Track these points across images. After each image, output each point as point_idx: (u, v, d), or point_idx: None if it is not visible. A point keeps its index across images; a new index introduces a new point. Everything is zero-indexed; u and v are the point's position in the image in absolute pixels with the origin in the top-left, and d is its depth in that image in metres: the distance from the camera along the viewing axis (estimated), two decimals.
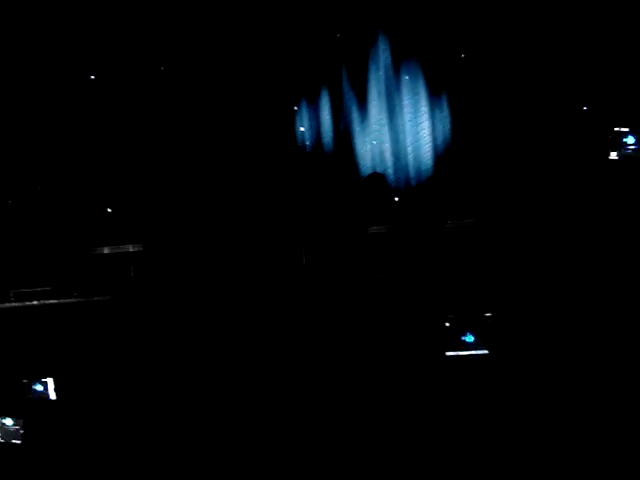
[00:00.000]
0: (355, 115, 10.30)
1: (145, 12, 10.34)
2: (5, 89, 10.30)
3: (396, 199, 9.94)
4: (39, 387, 8.82)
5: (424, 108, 10.17)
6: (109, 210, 9.87)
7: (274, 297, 8.58)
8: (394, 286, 7.90)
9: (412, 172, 10.43)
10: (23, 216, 10.10)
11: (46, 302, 9.42)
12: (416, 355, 7.18)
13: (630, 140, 8.31)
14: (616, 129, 8.39)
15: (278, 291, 8.64)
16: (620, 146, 8.27)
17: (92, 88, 10.42)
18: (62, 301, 9.40)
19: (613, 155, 8.16)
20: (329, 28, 10.29)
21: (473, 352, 6.82)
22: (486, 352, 6.87)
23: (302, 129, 10.28)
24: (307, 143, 10.34)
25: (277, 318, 8.32)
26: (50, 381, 8.82)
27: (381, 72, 10.37)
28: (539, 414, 6.63)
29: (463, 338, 6.91)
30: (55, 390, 8.80)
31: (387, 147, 10.43)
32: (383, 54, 10.34)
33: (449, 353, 6.86)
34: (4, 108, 10.30)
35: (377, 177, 10.17)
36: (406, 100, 10.30)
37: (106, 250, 9.83)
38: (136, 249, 9.69)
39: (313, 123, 10.42)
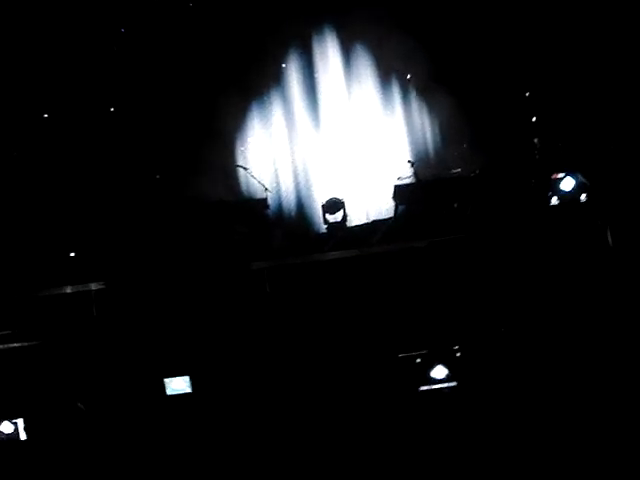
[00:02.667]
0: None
1: None
2: None
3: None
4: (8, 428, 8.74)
5: None
6: (71, 254, 9.95)
7: (240, 329, 8.69)
8: (363, 320, 8.06)
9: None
10: None
11: (8, 346, 9.35)
12: (388, 391, 7.28)
13: (568, 183, 8.69)
14: (554, 176, 8.85)
15: (243, 323, 8.76)
16: (559, 191, 8.70)
17: (47, 128, 10.53)
18: (24, 344, 9.33)
19: (554, 200, 8.57)
20: None
21: (444, 385, 6.98)
22: (455, 384, 7.04)
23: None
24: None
25: (243, 351, 8.41)
26: (20, 421, 8.77)
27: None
28: (511, 445, 6.77)
29: (431, 373, 7.03)
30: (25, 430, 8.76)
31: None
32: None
33: (422, 388, 6.99)
34: None
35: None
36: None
37: (68, 289, 9.84)
38: (99, 287, 9.75)
39: None
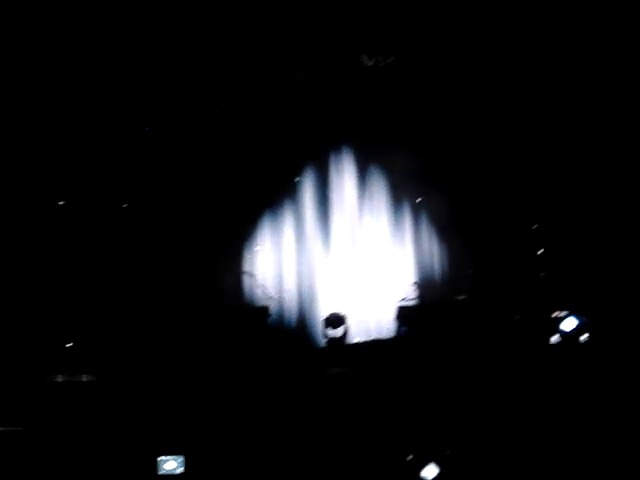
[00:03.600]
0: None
1: None
2: None
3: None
4: None
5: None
6: (68, 345, 9.88)
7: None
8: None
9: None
10: None
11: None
12: None
13: (570, 324, 8.67)
14: (555, 314, 8.88)
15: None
16: (559, 331, 8.69)
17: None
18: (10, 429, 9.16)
19: (554, 339, 8.58)
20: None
21: None
22: None
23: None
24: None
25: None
26: None
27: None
28: None
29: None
30: None
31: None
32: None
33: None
34: None
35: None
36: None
37: (59, 379, 9.73)
38: (89, 379, 9.64)
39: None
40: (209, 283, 10.58)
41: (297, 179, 11.25)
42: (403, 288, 10.80)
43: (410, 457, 7.17)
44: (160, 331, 9.99)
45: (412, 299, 10.53)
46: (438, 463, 6.99)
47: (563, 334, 8.60)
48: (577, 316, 8.59)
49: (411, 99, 11.36)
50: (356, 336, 10.71)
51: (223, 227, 10.88)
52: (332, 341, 10.58)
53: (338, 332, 10.61)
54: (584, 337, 8.68)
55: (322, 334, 10.68)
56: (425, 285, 10.80)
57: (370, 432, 7.96)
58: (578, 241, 10.40)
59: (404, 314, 10.31)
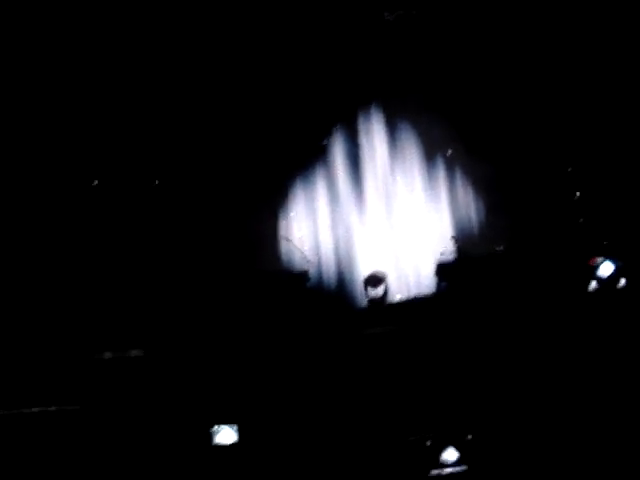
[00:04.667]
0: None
1: None
2: None
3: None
4: None
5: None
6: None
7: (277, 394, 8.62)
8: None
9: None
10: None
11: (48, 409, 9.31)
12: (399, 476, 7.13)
13: (607, 268, 8.51)
14: (592, 260, 8.74)
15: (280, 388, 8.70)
16: (598, 277, 8.55)
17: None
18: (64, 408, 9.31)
19: (593, 285, 8.46)
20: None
21: (455, 469, 6.82)
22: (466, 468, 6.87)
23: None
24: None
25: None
26: None
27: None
28: None
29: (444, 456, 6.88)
30: None
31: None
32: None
33: (434, 472, 6.85)
34: None
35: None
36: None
37: (107, 355, 9.86)
38: (138, 354, 9.76)
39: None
40: (246, 250, 10.61)
41: (325, 142, 11.19)
42: (441, 243, 10.75)
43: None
44: (203, 302, 10.06)
45: (450, 254, 10.49)
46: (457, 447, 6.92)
47: (601, 280, 8.51)
48: (614, 261, 8.49)
49: (436, 53, 11.23)
50: (397, 294, 10.72)
51: (256, 194, 10.88)
52: (373, 301, 10.61)
53: (379, 291, 10.63)
54: (622, 282, 8.59)
55: (363, 294, 10.71)
56: (463, 239, 10.75)
57: (410, 394, 8.00)
58: (614, 183, 10.27)
59: (443, 269, 10.27)
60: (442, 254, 10.48)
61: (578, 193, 10.38)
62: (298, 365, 9.14)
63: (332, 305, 10.81)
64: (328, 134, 11.34)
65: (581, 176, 10.53)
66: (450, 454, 6.92)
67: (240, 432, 7.21)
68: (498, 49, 10.94)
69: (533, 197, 10.64)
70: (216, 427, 7.17)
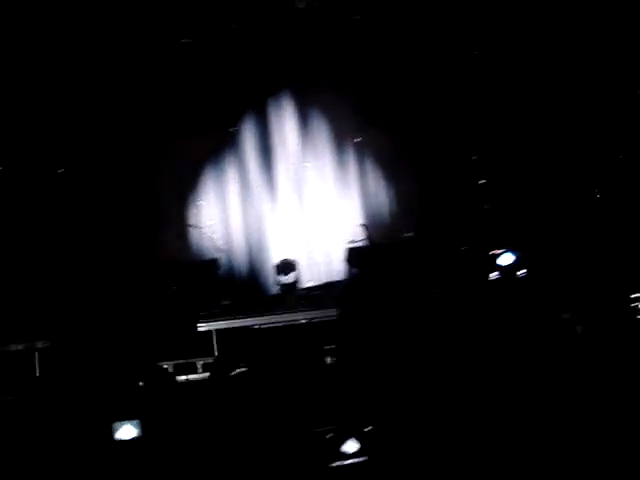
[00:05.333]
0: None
1: None
2: None
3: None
4: None
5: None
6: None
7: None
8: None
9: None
10: None
11: None
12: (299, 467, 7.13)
13: (507, 259, 8.61)
14: (492, 252, 8.89)
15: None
16: (498, 268, 8.68)
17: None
18: None
19: (493, 275, 8.60)
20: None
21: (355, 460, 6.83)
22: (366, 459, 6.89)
23: None
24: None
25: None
26: None
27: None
28: None
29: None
30: None
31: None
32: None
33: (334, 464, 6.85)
34: None
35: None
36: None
37: (11, 347, 9.66)
38: (43, 345, 9.58)
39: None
40: (154, 240, 10.48)
41: (234, 129, 11.11)
42: (351, 230, 10.80)
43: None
44: (111, 292, 9.93)
45: (361, 240, 10.55)
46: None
47: (501, 269, 8.66)
48: (513, 252, 8.65)
49: (346, 38, 11.23)
50: (308, 281, 10.75)
51: (164, 182, 10.74)
52: (284, 288, 10.61)
53: (289, 278, 10.63)
54: (521, 272, 8.75)
55: (274, 281, 10.71)
56: (372, 225, 10.83)
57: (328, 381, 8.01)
58: (518, 173, 10.47)
59: (354, 256, 10.33)
60: (352, 241, 10.53)
61: (483, 180, 10.56)
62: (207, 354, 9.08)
63: (244, 292, 10.78)
64: (238, 120, 11.26)
65: (486, 164, 10.70)
66: (351, 446, 6.95)
67: (142, 427, 7.13)
68: (404, 33, 10.99)
69: (441, 185, 10.76)
70: (118, 422, 7.08)
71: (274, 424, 7.15)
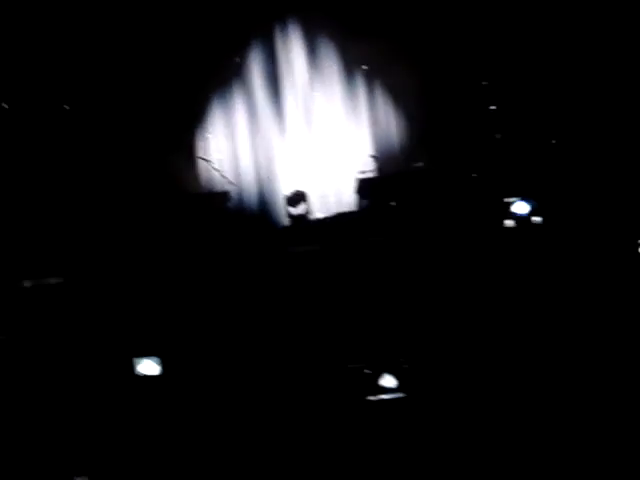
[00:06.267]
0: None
1: None
2: None
3: None
4: None
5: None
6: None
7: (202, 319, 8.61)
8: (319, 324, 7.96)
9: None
10: None
11: None
12: (337, 402, 7.16)
13: (523, 207, 8.43)
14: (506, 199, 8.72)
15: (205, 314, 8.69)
16: (513, 215, 8.51)
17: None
18: None
19: (508, 223, 8.44)
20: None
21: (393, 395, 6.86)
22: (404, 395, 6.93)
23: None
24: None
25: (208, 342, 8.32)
26: None
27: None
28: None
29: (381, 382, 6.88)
30: None
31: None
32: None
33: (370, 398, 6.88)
34: None
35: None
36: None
37: (26, 283, 9.70)
38: (57, 281, 9.62)
39: None
40: (165, 173, 10.45)
41: (238, 59, 10.94)
42: (361, 160, 10.74)
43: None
44: (122, 226, 9.93)
45: (371, 171, 10.50)
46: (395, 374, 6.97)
47: (516, 217, 8.54)
48: (528, 200, 8.54)
49: None
50: (318, 212, 10.74)
51: (172, 117, 10.63)
52: (295, 219, 10.61)
53: (300, 209, 10.62)
54: (537, 219, 8.64)
55: (284, 213, 10.70)
56: (382, 156, 10.76)
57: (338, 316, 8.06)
58: (530, 100, 10.34)
59: (364, 187, 10.30)
60: (362, 172, 10.48)
61: (494, 107, 10.44)
62: (222, 289, 9.11)
63: (254, 224, 10.78)
64: (243, 50, 11.07)
65: (497, 91, 10.56)
66: (388, 381, 7.00)
67: (163, 364, 7.21)
68: None
69: (451, 113, 10.64)
70: (138, 359, 7.17)
71: (310, 357, 7.22)
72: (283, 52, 11.20)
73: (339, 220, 10.44)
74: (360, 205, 10.32)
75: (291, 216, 10.62)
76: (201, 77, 10.73)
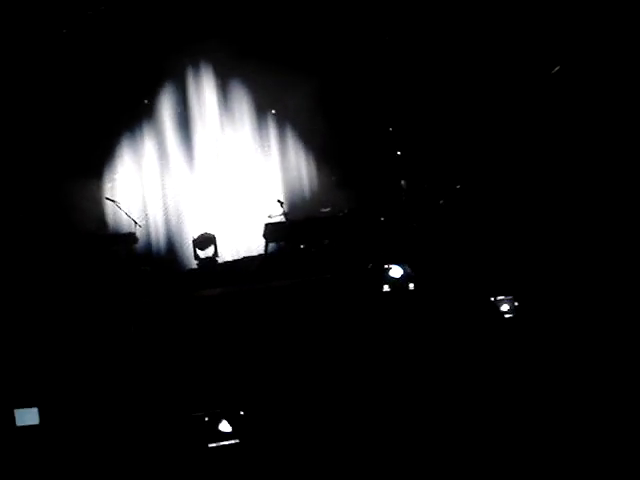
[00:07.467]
0: None
1: None
2: None
3: None
4: None
5: None
6: None
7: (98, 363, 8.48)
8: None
9: None
10: None
11: None
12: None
13: (397, 272, 8.59)
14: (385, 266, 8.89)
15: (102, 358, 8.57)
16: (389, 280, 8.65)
17: None
18: None
19: (385, 288, 8.61)
20: None
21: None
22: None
23: None
24: None
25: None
26: None
27: None
28: None
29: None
30: None
31: None
32: None
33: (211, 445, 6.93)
34: None
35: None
36: None
37: None
38: None
39: None
40: (71, 213, 10.35)
41: (146, 101, 10.95)
42: (269, 204, 10.81)
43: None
44: (24, 267, 9.78)
45: (278, 215, 10.57)
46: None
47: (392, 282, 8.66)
48: (402, 265, 8.67)
49: (265, 9, 11.10)
50: (226, 255, 10.76)
51: (81, 156, 10.57)
52: (203, 262, 10.60)
53: (208, 252, 10.63)
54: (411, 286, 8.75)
55: (193, 256, 10.68)
56: (290, 201, 10.85)
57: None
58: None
59: (271, 231, 10.36)
60: (269, 216, 10.55)
61: (399, 152, 10.64)
62: (128, 331, 9.02)
63: (162, 266, 10.74)
64: (154, 91, 11.08)
65: (401, 137, 10.76)
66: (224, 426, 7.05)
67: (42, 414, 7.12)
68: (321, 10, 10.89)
69: (362, 161, 10.80)
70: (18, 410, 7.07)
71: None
72: (194, 93, 11.24)
73: (246, 263, 10.49)
74: (267, 249, 10.37)
75: (199, 258, 10.61)
76: (110, 118, 10.69)
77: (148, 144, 11.09)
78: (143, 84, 10.92)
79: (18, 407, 7.07)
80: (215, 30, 11.00)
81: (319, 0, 10.96)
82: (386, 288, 8.44)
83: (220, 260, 10.65)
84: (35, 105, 10.41)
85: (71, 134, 10.48)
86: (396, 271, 8.50)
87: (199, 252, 10.61)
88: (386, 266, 8.39)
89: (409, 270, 8.41)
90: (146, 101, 10.94)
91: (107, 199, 10.57)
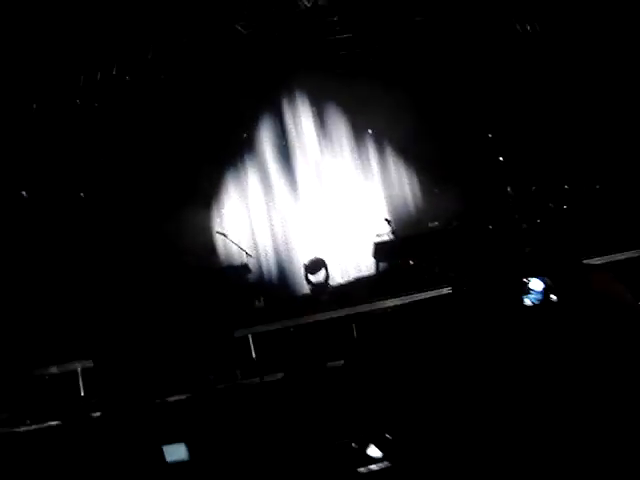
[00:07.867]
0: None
1: None
2: None
3: None
4: None
5: None
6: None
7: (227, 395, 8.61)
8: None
9: None
10: None
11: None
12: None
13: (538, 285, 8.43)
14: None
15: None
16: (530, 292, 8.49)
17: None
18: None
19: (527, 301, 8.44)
20: None
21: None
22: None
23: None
24: None
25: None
26: None
27: None
28: None
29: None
30: None
31: None
32: None
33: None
34: None
35: None
36: None
37: (53, 370, 9.77)
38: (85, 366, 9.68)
39: None
40: (184, 248, 10.57)
41: (245, 134, 11.14)
42: (376, 223, 10.82)
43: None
44: (146, 300, 10.00)
45: (386, 233, 10.56)
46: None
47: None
48: (542, 278, 8.52)
49: (356, 29, 11.19)
50: (337, 278, 10.80)
51: (188, 193, 10.82)
52: (315, 286, 10.65)
53: (320, 277, 10.68)
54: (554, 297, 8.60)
55: (304, 281, 10.75)
56: (397, 218, 10.84)
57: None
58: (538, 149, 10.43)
59: (380, 250, 10.36)
60: (378, 235, 10.54)
61: (501, 158, 10.52)
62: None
63: (275, 294, 10.85)
64: (252, 124, 11.27)
65: (503, 142, 10.65)
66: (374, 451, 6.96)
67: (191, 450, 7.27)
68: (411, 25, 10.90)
69: (465, 170, 10.72)
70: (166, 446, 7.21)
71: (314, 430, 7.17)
72: (291, 122, 11.38)
73: (358, 285, 10.50)
74: (378, 268, 10.37)
75: (311, 283, 10.67)
76: (212, 155, 10.92)
77: (251, 176, 11.27)
78: (241, 118, 11.11)
79: (165, 443, 7.19)
80: (305, 59, 11.14)
81: (401, 12, 10.98)
82: (527, 302, 8.26)
83: (332, 283, 10.69)
84: (147, 144, 10.71)
85: (182, 169, 10.74)
86: (536, 284, 8.29)
87: (310, 277, 10.67)
88: (525, 279, 8.19)
89: (549, 281, 8.19)
90: (245, 135, 11.13)
91: (218, 233, 10.78)
